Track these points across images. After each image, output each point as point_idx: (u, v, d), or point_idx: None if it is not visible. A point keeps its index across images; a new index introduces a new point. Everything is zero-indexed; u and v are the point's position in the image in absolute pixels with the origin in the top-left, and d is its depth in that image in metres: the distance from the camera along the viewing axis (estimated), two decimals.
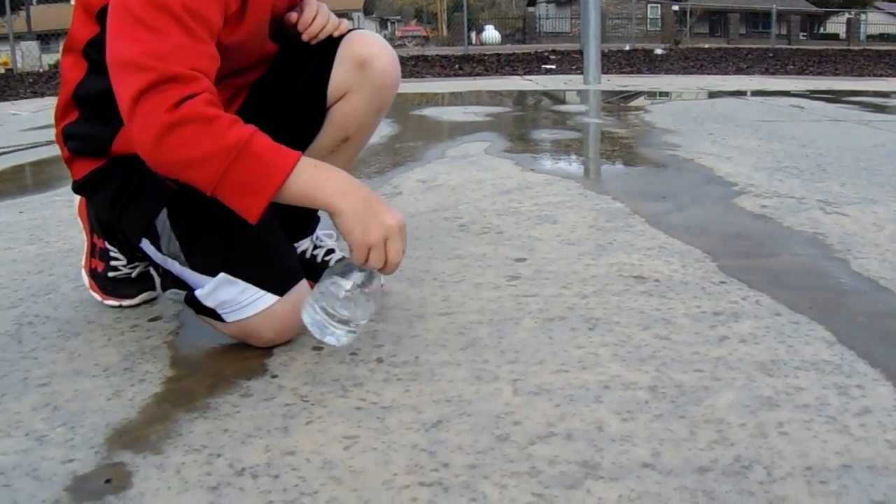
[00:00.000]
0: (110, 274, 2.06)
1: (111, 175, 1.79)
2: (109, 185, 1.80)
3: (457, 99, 8.20)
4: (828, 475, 1.26)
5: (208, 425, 1.45)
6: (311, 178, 1.57)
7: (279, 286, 1.73)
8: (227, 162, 1.50)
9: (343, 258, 2.08)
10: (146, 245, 1.82)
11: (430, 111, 6.80)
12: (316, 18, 1.90)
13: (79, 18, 1.74)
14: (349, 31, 1.96)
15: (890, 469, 1.28)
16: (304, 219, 2.09)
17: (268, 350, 1.76)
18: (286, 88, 1.95)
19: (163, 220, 1.77)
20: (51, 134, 2.08)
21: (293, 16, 1.91)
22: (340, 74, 1.92)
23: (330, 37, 1.93)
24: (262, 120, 1.86)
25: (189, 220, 1.75)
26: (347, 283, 1.60)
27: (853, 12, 40.21)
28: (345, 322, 1.61)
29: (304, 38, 1.90)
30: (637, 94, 8.64)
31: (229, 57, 1.71)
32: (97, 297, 2.07)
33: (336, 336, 1.61)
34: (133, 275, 2.07)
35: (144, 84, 1.47)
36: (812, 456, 1.32)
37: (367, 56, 1.92)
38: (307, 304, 1.62)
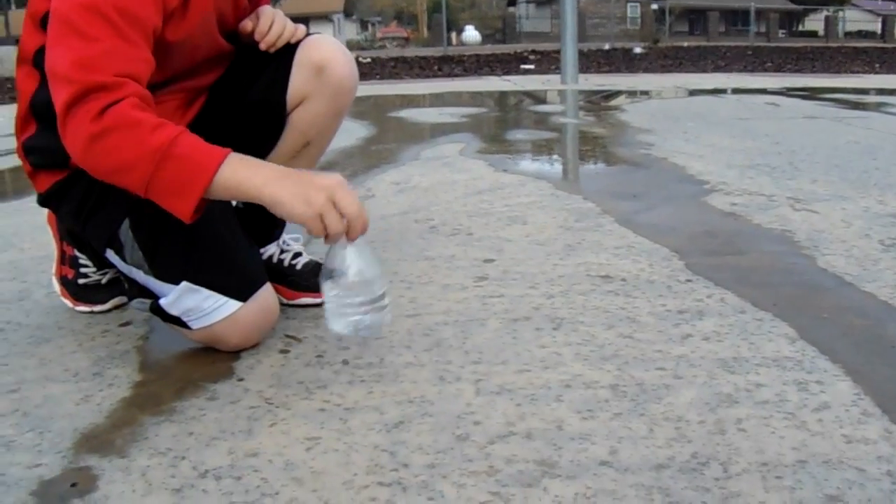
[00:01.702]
0: (80, 281, 2.07)
1: (73, 187, 1.79)
2: (72, 197, 1.81)
3: (434, 100, 8.20)
4: (783, 470, 1.28)
5: (174, 428, 1.46)
6: (238, 172, 1.53)
7: (242, 292, 1.73)
8: (151, 166, 1.49)
9: (310, 261, 2.09)
10: (111, 255, 1.82)
11: (406, 113, 6.81)
12: (273, 26, 1.91)
13: (27, 28, 1.73)
14: (306, 35, 1.97)
15: (844, 463, 1.30)
16: (270, 224, 2.09)
17: (235, 354, 1.77)
18: (245, 95, 1.95)
19: (125, 230, 1.77)
20: None
21: (248, 24, 1.91)
22: (298, 80, 1.93)
23: (287, 42, 1.94)
24: (223, 127, 1.86)
25: (150, 230, 1.75)
26: (340, 272, 1.54)
27: (831, 9, 40.34)
28: (368, 302, 1.55)
29: (262, 47, 1.90)
30: (614, 94, 8.65)
31: (178, 54, 1.72)
32: (68, 303, 2.07)
33: (372, 320, 1.57)
34: (103, 281, 2.07)
35: (70, 96, 1.48)
36: (769, 452, 1.33)
37: (323, 61, 1.93)
38: (329, 318, 1.58)
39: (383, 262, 2.34)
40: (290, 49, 1.94)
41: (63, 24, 1.52)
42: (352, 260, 1.54)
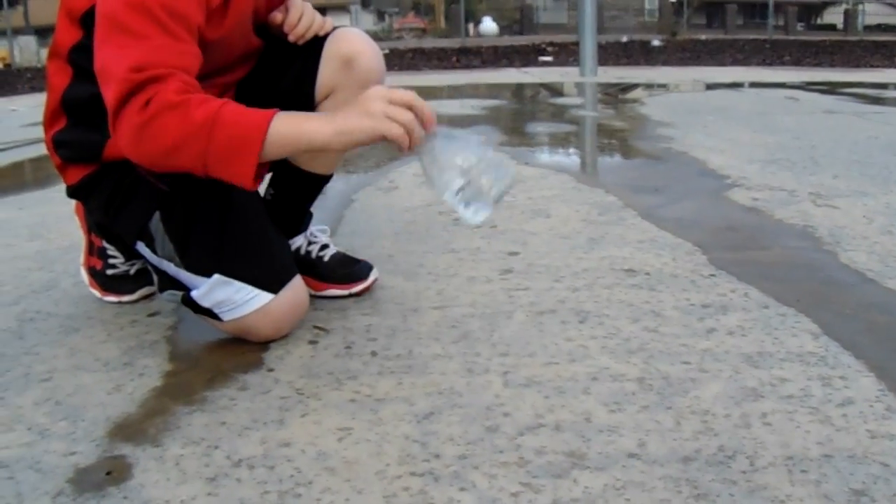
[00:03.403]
0: (109, 271, 2.09)
1: (103, 180, 1.82)
2: (102, 190, 1.83)
3: (454, 92, 8.20)
4: (809, 464, 1.29)
5: (206, 418, 1.48)
6: (292, 123, 1.56)
7: (273, 284, 1.75)
8: (203, 139, 1.51)
9: (337, 253, 2.11)
10: (141, 247, 1.84)
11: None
12: (302, 19, 1.92)
13: (62, 23, 1.75)
14: (334, 28, 1.98)
15: (869, 458, 1.31)
16: (297, 216, 2.11)
17: (264, 344, 1.79)
18: (274, 87, 1.96)
19: (156, 223, 1.79)
20: None
21: (278, 16, 1.92)
22: (327, 73, 1.95)
23: (315, 35, 1.95)
24: None
25: (181, 222, 1.77)
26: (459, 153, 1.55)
27: (851, 2, 39.97)
28: (486, 165, 1.55)
29: (291, 38, 1.92)
30: (633, 87, 8.63)
31: (214, 53, 1.73)
32: (97, 293, 2.10)
33: (497, 183, 1.56)
34: (131, 272, 2.09)
35: (120, 94, 1.50)
36: (794, 446, 1.35)
37: (352, 54, 1.94)
38: (466, 214, 1.58)
39: (409, 254, 2.37)
40: (318, 41, 1.95)
41: (111, 23, 1.54)
42: (443, 147, 1.55)
